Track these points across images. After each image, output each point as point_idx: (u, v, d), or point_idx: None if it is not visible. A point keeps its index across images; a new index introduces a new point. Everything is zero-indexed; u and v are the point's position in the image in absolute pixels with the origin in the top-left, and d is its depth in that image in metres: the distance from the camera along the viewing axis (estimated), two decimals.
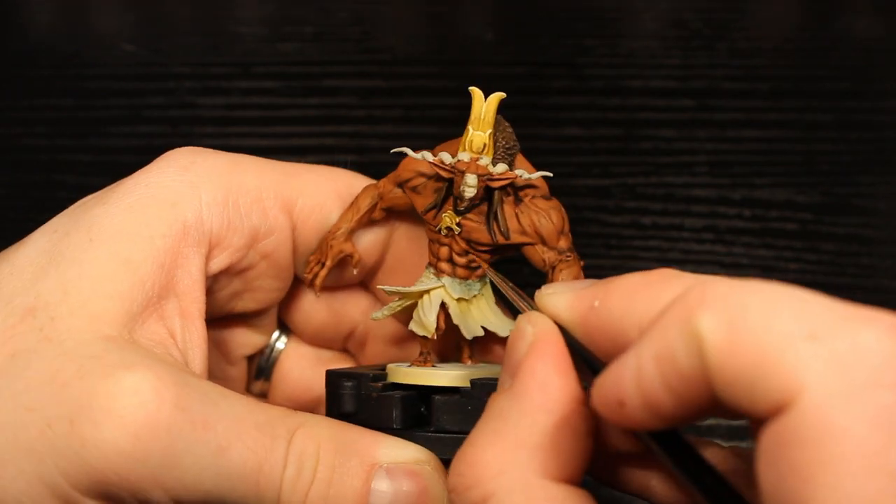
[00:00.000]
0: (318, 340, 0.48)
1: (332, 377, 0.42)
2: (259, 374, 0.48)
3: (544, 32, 0.75)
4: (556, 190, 0.44)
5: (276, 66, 0.73)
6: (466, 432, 0.38)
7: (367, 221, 0.44)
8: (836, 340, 0.26)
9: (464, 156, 0.40)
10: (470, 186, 0.40)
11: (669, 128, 0.69)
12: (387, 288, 0.43)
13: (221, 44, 0.75)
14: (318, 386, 0.47)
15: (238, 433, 0.37)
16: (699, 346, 0.27)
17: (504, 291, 0.40)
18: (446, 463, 0.38)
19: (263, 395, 0.48)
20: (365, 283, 0.47)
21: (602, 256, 0.64)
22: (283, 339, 0.48)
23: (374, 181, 0.45)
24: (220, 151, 0.43)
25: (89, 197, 0.43)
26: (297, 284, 0.46)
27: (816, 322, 0.27)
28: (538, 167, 0.43)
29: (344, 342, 0.48)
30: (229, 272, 0.42)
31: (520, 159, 0.43)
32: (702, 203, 0.66)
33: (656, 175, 0.67)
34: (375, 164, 0.43)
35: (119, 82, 0.73)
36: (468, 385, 0.40)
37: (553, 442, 0.32)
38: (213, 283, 0.42)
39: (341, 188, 0.44)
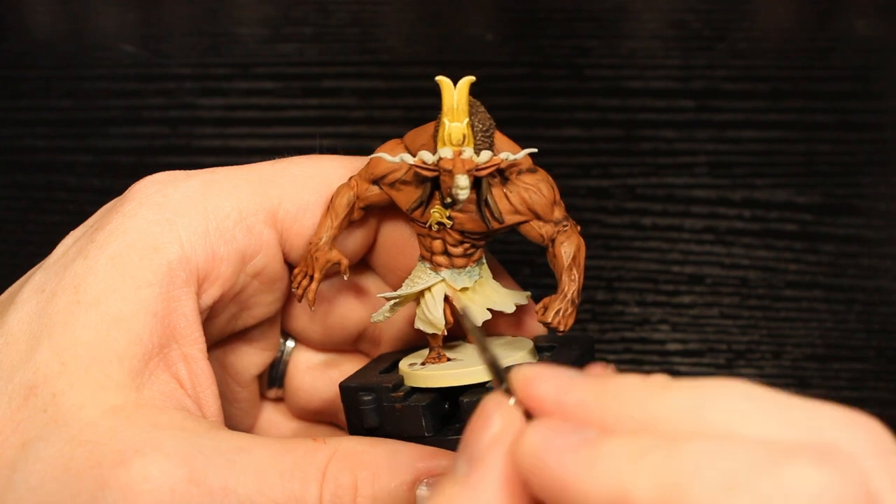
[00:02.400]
0: (326, 346, 0.47)
1: (349, 392, 0.41)
2: (272, 382, 0.47)
3: (544, 33, 0.75)
4: None
5: (275, 66, 0.73)
6: None
7: (348, 224, 0.42)
8: (757, 485, 0.26)
9: (445, 152, 0.39)
10: (462, 188, 0.38)
11: (669, 128, 0.69)
12: (386, 294, 0.42)
13: (221, 44, 0.75)
14: (331, 392, 0.46)
15: (261, 488, 0.36)
16: None
17: (480, 355, 0.36)
18: None
19: (279, 400, 0.48)
20: (360, 284, 0.46)
21: (602, 257, 0.64)
22: (291, 343, 0.47)
23: (350, 170, 0.42)
24: (190, 173, 0.41)
25: (69, 240, 0.41)
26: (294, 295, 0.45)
27: (738, 467, 0.26)
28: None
29: (355, 343, 0.47)
30: (223, 300, 0.41)
31: (498, 136, 0.41)
32: (702, 204, 0.66)
33: (656, 176, 0.67)
34: None
35: (119, 83, 0.73)
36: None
37: None
38: (209, 313, 0.41)
39: (320, 185, 0.42)
